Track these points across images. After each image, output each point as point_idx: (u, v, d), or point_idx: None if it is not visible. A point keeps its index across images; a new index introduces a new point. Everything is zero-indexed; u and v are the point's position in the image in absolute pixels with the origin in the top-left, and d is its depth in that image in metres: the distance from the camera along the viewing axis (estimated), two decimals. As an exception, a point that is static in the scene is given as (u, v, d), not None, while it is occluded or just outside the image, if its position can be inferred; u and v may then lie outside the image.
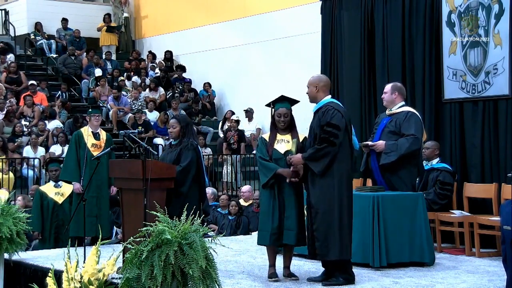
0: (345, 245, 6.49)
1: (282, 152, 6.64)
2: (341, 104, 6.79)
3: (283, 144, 6.69)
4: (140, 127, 16.40)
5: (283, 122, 6.74)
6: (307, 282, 6.68)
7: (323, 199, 6.51)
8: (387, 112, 8.01)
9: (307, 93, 6.84)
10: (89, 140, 9.40)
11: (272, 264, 6.77)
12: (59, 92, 17.78)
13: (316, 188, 6.56)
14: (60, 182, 10.02)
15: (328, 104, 6.64)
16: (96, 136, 9.49)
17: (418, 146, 7.72)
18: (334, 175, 6.47)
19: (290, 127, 6.79)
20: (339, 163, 6.49)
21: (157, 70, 19.74)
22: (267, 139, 6.78)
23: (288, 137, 6.71)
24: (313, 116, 6.78)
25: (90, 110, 9.81)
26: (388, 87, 8.00)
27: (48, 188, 10.14)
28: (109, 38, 20.78)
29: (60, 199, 9.94)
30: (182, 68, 19.48)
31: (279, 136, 6.74)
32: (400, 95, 7.93)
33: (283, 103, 6.83)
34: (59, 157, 14.07)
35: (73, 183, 9.41)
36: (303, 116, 15.38)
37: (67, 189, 9.90)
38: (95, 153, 9.02)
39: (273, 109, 6.82)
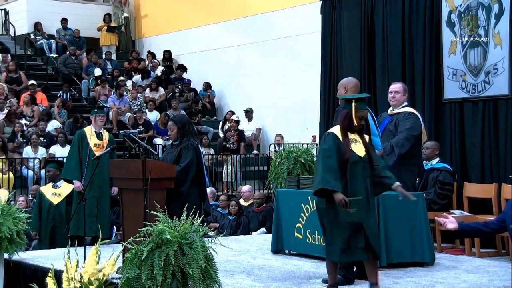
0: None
1: (362, 155, 5.86)
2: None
3: (358, 145, 5.90)
4: (140, 127, 16.41)
5: (361, 125, 5.95)
6: (307, 281, 6.69)
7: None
8: (389, 112, 7.99)
9: (337, 96, 6.92)
10: (92, 140, 9.42)
11: (335, 285, 6.13)
12: (60, 92, 17.72)
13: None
14: (59, 183, 10.00)
15: (342, 106, 6.67)
16: (99, 136, 9.52)
17: (412, 141, 7.67)
18: None
19: None
20: None
21: (156, 70, 19.74)
22: (340, 137, 5.87)
23: (356, 136, 5.94)
24: None
25: (95, 110, 9.81)
26: (399, 87, 7.89)
27: (47, 189, 10.14)
28: (109, 38, 20.78)
29: (56, 200, 9.88)
30: (184, 68, 19.48)
31: (351, 135, 5.92)
32: (407, 95, 7.96)
33: (364, 103, 6.02)
34: (59, 157, 14.08)
35: (74, 181, 9.42)
36: (303, 116, 15.42)
37: (65, 189, 9.86)
38: (97, 153, 9.01)
39: (352, 106, 5.89)
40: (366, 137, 5.98)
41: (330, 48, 10.75)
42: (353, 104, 5.85)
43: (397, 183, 5.87)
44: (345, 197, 5.67)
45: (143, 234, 5.25)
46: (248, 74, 17.78)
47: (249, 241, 9.80)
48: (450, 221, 5.16)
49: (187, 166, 7.17)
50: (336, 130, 5.91)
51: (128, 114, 17.24)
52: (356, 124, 5.86)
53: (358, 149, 5.84)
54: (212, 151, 16.16)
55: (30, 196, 12.78)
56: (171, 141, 7.73)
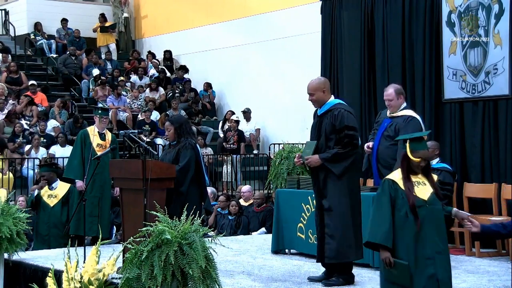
0: (360, 246, 6.50)
1: (426, 198, 5.12)
2: (346, 104, 6.79)
3: (422, 187, 5.17)
4: (147, 126, 16.40)
5: (422, 167, 5.22)
6: (307, 281, 6.69)
7: (338, 201, 6.52)
8: (389, 114, 7.83)
9: (313, 100, 6.69)
10: (95, 140, 9.49)
11: None
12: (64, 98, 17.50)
13: (330, 190, 6.56)
14: (54, 184, 10.03)
15: (338, 107, 6.62)
16: (101, 136, 9.57)
17: None
18: (348, 177, 6.49)
19: None
20: (354, 165, 6.52)
21: (154, 70, 19.72)
22: (398, 183, 5.15)
23: (421, 178, 5.22)
24: (318, 118, 6.71)
25: (100, 112, 9.83)
26: (391, 93, 7.59)
27: (44, 190, 10.15)
28: (105, 38, 20.75)
29: (52, 202, 9.91)
30: (185, 69, 19.46)
31: (414, 178, 5.22)
32: (403, 96, 7.70)
33: (421, 143, 5.26)
34: (58, 158, 14.08)
35: (76, 181, 9.45)
36: (303, 116, 15.42)
37: (61, 191, 9.90)
38: (99, 153, 9.04)
39: (407, 147, 5.20)
40: (435, 177, 5.32)
41: (330, 48, 10.75)
42: (407, 145, 5.20)
43: (454, 209, 5.39)
44: (391, 256, 5.02)
45: (143, 234, 5.25)
46: (248, 74, 17.79)
47: (249, 241, 9.80)
48: (474, 225, 5.09)
49: (186, 165, 7.16)
50: (394, 175, 5.26)
51: (126, 114, 17.24)
52: (415, 167, 5.18)
53: (422, 192, 5.15)
54: (209, 150, 16.15)
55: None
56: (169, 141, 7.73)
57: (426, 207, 5.10)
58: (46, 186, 10.21)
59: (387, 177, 5.29)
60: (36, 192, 10.09)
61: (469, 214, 5.37)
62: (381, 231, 5.05)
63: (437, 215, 5.14)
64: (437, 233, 5.11)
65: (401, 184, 5.14)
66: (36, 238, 9.95)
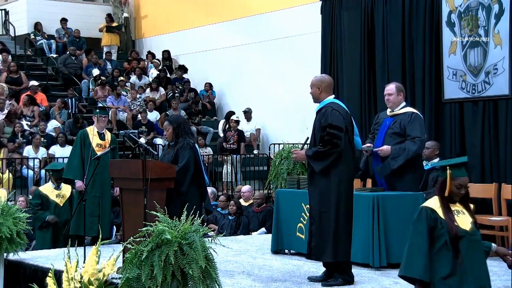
0: (339, 248, 6.50)
1: (468, 229, 4.85)
2: (342, 104, 6.76)
3: (462, 216, 4.93)
4: (144, 127, 16.40)
5: (462, 195, 5.00)
6: (307, 281, 6.69)
7: (321, 200, 6.55)
8: (389, 113, 7.84)
9: (310, 93, 6.80)
10: (94, 140, 9.49)
11: None
12: (66, 99, 17.50)
13: (315, 188, 6.61)
14: (60, 184, 10.04)
15: (328, 105, 6.64)
16: (101, 136, 9.58)
17: (424, 147, 7.62)
18: (333, 177, 6.50)
19: None
20: (339, 165, 6.51)
21: (154, 70, 19.71)
22: (437, 211, 4.87)
23: (460, 207, 5.00)
24: (315, 115, 6.78)
25: (97, 111, 9.84)
26: (391, 88, 7.67)
27: (48, 190, 10.13)
28: (110, 38, 20.74)
29: (61, 201, 9.95)
30: (185, 69, 19.46)
31: (453, 207, 4.97)
32: (403, 94, 7.75)
33: (461, 169, 4.99)
34: (58, 158, 14.08)
35: (76, 181, 9.45)
36: (303, 116, 15.42)
37: (67, 191, 9.94)
38: (99, 153, 9.04)
39: (447, 174, 4.92)
40: (471, 206, 5.10)
41: (330, 48, 10.75)
42: (448, 171, 4.92)
43: (493, 245, 5.08)
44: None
45: (143, 234, 5.25)
46: (248, 74, 17.79)
47: (249, 241, 9.80)
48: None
49: (185, 165, 7.16)
50: (432, 202, 4.96)
51: (125, 114, 17.25)
52: (454, 195, 4.94)
53: (463, 221, 4.90)
54: (209, 150, 16.14)
55: (30, 196, 12.77)
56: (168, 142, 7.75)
57: (468, 237, 4.82)
58: (52, 186, 10.22)
59: (425, 205, 4.98)
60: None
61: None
62: (418, 265, 4.77)
63: (478, 246, 4.89)
64: (480, 265, 4.83)
65: (440, 212, 4.85)
66: (44, 238, 9.94)
